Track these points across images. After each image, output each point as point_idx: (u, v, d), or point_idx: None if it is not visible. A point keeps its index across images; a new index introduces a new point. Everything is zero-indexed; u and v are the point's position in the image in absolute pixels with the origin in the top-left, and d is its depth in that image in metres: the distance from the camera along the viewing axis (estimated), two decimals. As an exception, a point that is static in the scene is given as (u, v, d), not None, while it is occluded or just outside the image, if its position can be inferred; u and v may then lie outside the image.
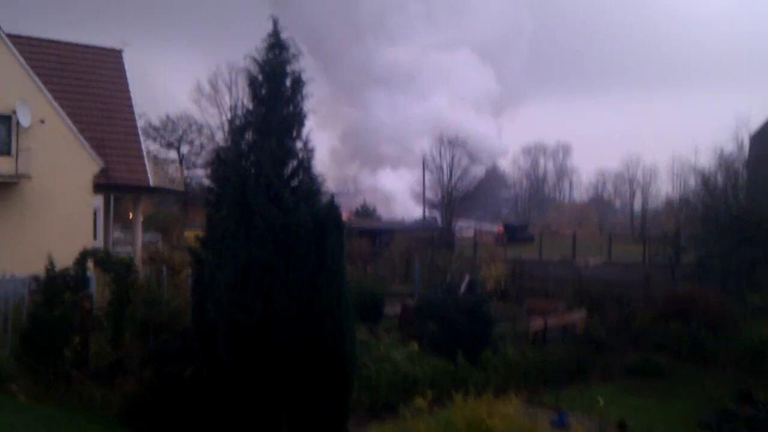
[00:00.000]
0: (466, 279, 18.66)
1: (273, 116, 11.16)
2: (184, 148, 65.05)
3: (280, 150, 11.21)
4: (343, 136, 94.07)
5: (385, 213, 72.52)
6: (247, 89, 11.57)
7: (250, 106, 11.44)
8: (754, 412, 13.54)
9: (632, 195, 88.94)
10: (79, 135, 21.72)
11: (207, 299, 10.92)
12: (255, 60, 11.38)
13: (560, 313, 20.22)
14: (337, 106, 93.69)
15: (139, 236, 26.43)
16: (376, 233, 46.16)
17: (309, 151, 11.62)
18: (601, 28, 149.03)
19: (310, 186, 11.55)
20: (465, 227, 69.24)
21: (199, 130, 64.82)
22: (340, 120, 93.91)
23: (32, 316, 13.97)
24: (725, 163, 30.84)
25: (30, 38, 25.12)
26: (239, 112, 11.75)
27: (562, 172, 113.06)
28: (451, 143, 62.96)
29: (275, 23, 11.46)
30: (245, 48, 11.62)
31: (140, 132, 26.19)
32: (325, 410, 10.64)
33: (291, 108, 11.47)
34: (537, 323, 18.71)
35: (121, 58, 27.62)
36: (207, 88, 65.14)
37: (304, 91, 11.60)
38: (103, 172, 22.48)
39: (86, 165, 21.88)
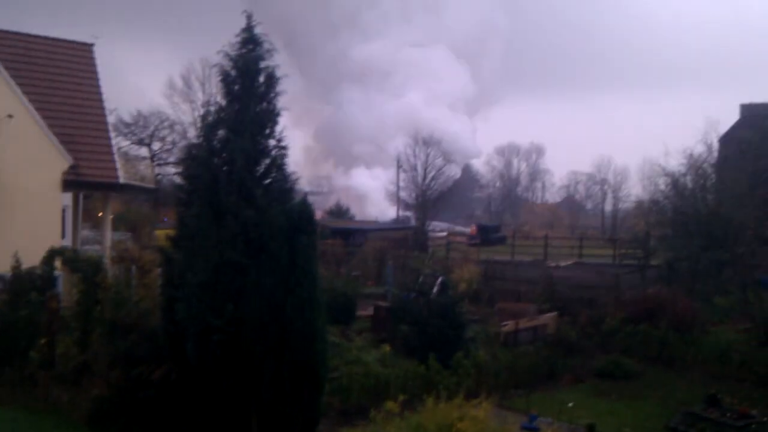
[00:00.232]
0: (439, 280, 18.65)
1: (246, 113, 11.03)
2: (156, 145, 64.45)
3: (253, 148, 11.09)
4: (317, 134, 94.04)
5: (359, 213, 72.50)
6: (220, 85, 11.44)
7: (223, 103, 11.29)
8: (721, 415, 13.70)
9: (603, 196, 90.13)
10: (47, 130, 21.32)
11: (176, 300, 10.75)
12: (228, 55, 11.23)
13: (531, 314, 20.32)
14: (310, 103, 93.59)
15: (109, 235, 26.03)
16: (350, 233, 46.05)
17: (282, 149, 11.51)
18: (574, 31, 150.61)
19: (283, 185, 11.43)
20: (438, 227, 69.47)
21: (171, 126, 64.26)
22: (314, 117, 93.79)
23: (-4, 315, 13.67)
24: (695, 165, 31.28)
25: (-3, 30, 24.67)
26: (212, 108, 11.57)
27: (535, 173, 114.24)
28: (426, 142, 63.11)
29: (249, 18, 11.32)
30: (218, 43, 11.45)
31: (111, 128, 25.80)
32: (296, 413, 10.54)
33: (264, 105, 11.34)
34: (508, 325, 18.77)
35: (91, 52, 27.18)
36: (179, 83, 64.78)
37: (278, 88, 11.48)
38: (72, 169, 22.09)
39: (55, 161, 21.48)
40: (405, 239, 47.69)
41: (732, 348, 17.92)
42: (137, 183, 26.64)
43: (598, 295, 23.05)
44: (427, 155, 62.76)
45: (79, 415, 11.67)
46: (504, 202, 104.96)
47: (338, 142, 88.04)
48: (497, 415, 12.43)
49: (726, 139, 39.31)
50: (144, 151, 62.81)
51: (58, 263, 16.44)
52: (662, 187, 34.87)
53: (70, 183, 22.28)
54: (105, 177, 23.48)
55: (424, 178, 62.43)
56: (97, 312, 14.14)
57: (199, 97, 63.01)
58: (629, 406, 14.75)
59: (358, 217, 69.77)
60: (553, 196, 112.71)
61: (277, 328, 10.39)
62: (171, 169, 61.82)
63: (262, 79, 11.35)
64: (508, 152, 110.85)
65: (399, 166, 65.45)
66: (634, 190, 79.88)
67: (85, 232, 31.77)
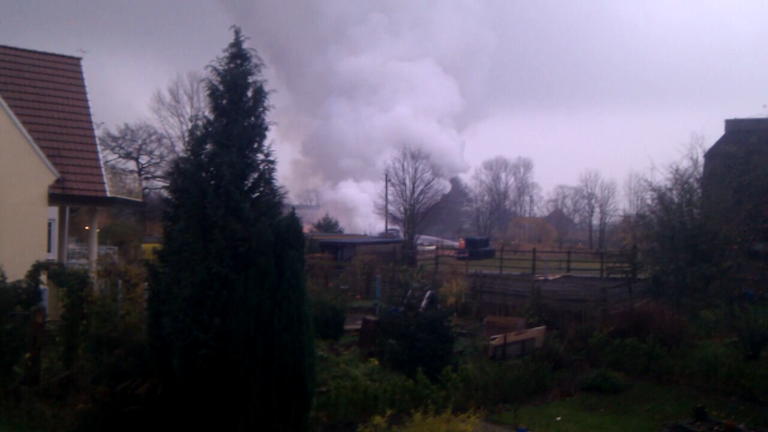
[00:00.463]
0: (427, 294, 18.62)
1: (234, 127, 11.06)
2: (143, 159, 64.32)
3: (241, 162, 11.11)
4: (305, 148, 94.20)
5: (347, 226, 72.50)
6: (207, 99, 11.47)
7: (211, 117, 11.33)
8: (708, 429, 13.72)
9: (590, 211, 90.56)
10: (34, 144, 21.24)
11: (163, 314, 10.71)
12: (216, 70, 11.29)
13: (520, 328, 20.32)
14: (299, 116, 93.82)
15: (95, 248, 25.88)
16: (338, 247, 46.03)
17: (270, 164, 11.55)
18: (562, 47, 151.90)
19: (271, 198, 11.45)
20: (427, 241, 69.53)
21: (159, 140, 64.21)
22: (302, 131, 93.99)
23: (-20, 330, 13.51)
24: (680, 180, 31.50)
25: (-16, 44, 24.61)
26: (200, 122, 11.61)
27: (523, 187, 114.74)
28: (414, 156, 63.29)
29: (237, 33, 11.39)
30: (207, 57, 11.53)
31: (98, 142, 25.71)
32: (284, 428, 10.49)
33: (252, 119, 11.40)
34: (497, 339, 18.77)
35: (79, 66, 27.16)
36: (167, 97, 64.67)
37: (266, 103, 11.55)
38: (59, 183, 22.00)
39: (41, 175, 21.39)
40: (393, 253, 47.70)
41: (719, 362, 17.97)
42: (124, 197, 26.54)
43: (586, 309, 23.11)
44: (416, 169, 62.97)
45: (64, 430, 11.54)
46: (492, 215, 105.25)
47: (326, 156, 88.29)
48: (485, 429, 12.43)
49: (711, 154, 39.68)
50: (131, 165, 62.75)
51: (43, 277, 16.34)
52: (649, 201, 35.10)
53: (56, 197, 22.17)
54: (92, 191, 23.38)
55: (413, 192, 62.58)
56: (83, 326, 14.06)
57: (187, 111, 63.09)
58: (617, 420, 14.75)
59: (346, 231, 69.76)
60: (540, 210, 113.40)
61: (265, 343, 10.35)
62: (158, 183, 61.70)
63: (250, 93, 11.40)
64: (496, 166, 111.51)
65: (387, 180, 65.59)
66: (621, 205, 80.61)
67: (72, 246, 31.58)
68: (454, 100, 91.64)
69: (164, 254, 11.46)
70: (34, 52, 26.42)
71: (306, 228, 55.07)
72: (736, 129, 42.46)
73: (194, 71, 62.21)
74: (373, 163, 78.34)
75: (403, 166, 63.39)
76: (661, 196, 31.57)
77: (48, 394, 12.65)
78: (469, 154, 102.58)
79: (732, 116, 45.69)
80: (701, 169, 36.49)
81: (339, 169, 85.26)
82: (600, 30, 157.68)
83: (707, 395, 16.77)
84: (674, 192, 31.28)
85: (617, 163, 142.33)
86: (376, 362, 15.98)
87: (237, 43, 11.44)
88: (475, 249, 59.68)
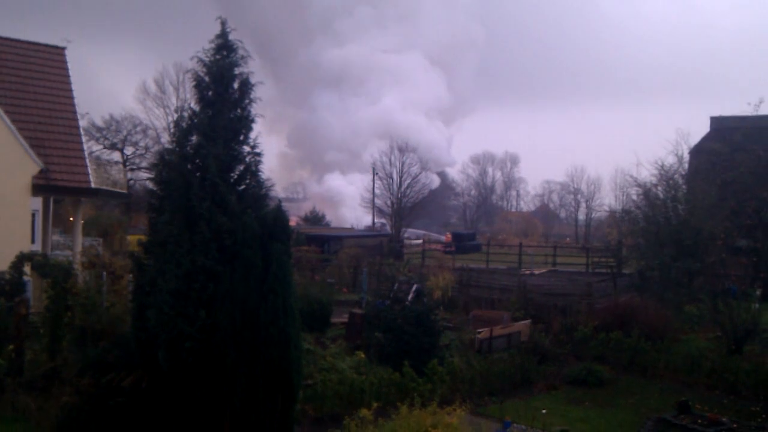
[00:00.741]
0: (414, 288, 18.63)
1: (219, 119, 10.98)
2: (128, 150, 63.78)
3: (227, 154, 11.04)
4: (293, 140, 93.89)
5: (334, 219, 72.37)
6: (193, 91, 11.37)
7: (197, 109, 11.23)
8: (692, 422, 13.86)
9: (577, 206, 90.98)
10: (17, 134, 21.01)
11: (148, 306, 10.63)
12: (202, 61, 11.19)
13: (506, 322, 20.38)
14: (285, 108, 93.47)
15: (79, 240, 25.68)
16: (325, 240, 45.93)
17: (257, 156, 11.48)
18: (549, 43, 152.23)
19: (257, 191, 11.39)
20: (414, 235, 69.57)
21: (144, 131, 63.68)
22: (289, 123, 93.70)
23: (-37, 321, 13.39)
24: (666, 176, 31.68)
25: (-33, 32, 24.29)
26: (185, 114, 11.50)
27: (510, 182, 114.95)
28: (401, 150, 63.24)
29: (223, 24, 11.29)
30: (193, 48, 11.42)
31: (82, 132, 25.47)
32: (270, 421, 10.45)
33: (238, 111, 11.32)
34: (483, 333, 18.82)
35: (63, 55, 26.88)
36: (153, 88, 64.16)
37: (252, 95, 11.48)
38: (43, 174, 21.80)
39: (25, 166, 21.17)
40: (380, 246, 47.69)
41: (702, 356, 18.14)
42: (109, 188, 26.33)
43: (572, 303, 23.23)
44: (403, 163, 62.93)
45: (48, 423, 11.46)
46: (479, 210, 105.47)
47: (313, 148, 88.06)
48: (471, 422, 12.45)
49: (696, 151, 39.93)
50: (116, 156, 62.19)
51: (27, 268, 16.19)
52: (634, 197, 35.31)
53: (40, 187, 21.96)
54: (76, 182, 23.18)
55: (400, 185, 62.55)
56: (67, 318, 13.95)
57: (173, 102, 62.59)
58: (602, 414, 14.85)
59: (333, 224, 69.64)
60: (527, 204, 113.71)
61: (251, 336, 10.30)
62: (143, 175, 61.21)
63: (236, 85, 11.32)
64: (483, 161, 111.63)
65: (374, 174, 65.51)
66: (607, 200, 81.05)
67: (56, 237, 31.32)
68: (441, 94, 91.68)
69: (149, 246, 11.37)
70: (18, 41, 26.10)
71: (293, 221, 54.96)
72: (721, 126, 42.72)
73: (180, 62, 61.75)
74: (359, 155, 78.25)
75: (390, 159, 63.36)
76: (647, 192, 31.76)
77: (32, 386, 12.54)
78: (456, 149, 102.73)
79: (717, 113, 45.97)
80: (686, 166, 36.79)
81: (325, 161, 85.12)
82: (587, 26, 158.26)
83: (691, 389, 16.93)
84: (659, 188, 31.49)
85: (603, 159, 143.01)
86: (363, 355, 15.98)
87: (223, 35, 11.34)
88: (462, 243, 59.78)
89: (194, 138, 11.11)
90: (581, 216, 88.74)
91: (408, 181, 62.83)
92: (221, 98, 11.08)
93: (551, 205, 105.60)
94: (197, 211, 10.50)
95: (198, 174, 10.84)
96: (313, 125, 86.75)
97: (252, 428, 10.28)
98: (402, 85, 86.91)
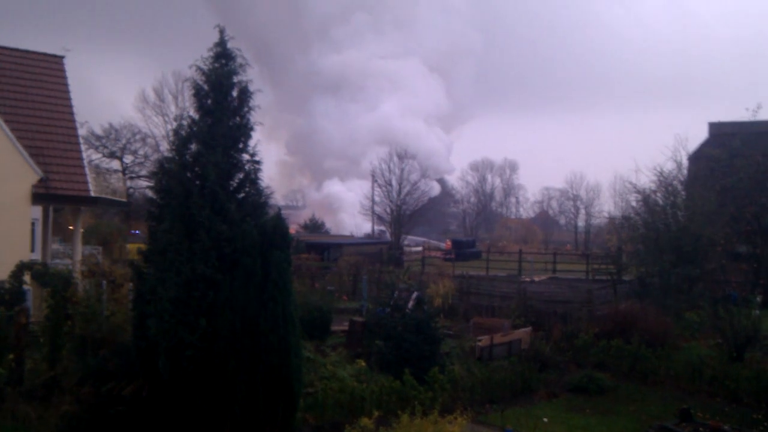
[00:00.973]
0: (414, 295, 18.59)
1: (219, 127, 11.00)
2: (128, 158, 63.78)
3: (226, 162, 11.05)
4: (291, 148, 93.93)
5: (333, 226, 72.37)
6: (192, 99, 11.39)
7: (196, 117, 11.25)
8: (693, 430, 13.80)
9: (576, 212, 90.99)
10: (17, 143, 21.01)
11: (148, 315, 10.61)
12: (201, 69, 11.22)
13: (506, 329, 20.34)
14: (283, 115, 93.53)
15: (79, 249, 25.67)
16: (325, 247, 45.93)
17: (256, 164, 11.51)
18: (547, 50, 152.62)
19: (257, 199, 11.40)
20: (413, 242, 69.55)
21: (143, 139, 63.71)
22: (287, 130, 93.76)
23: (-37, 331, 13.36)
24: (665, 182, 31.70)
25: (-34, 42, 24.34)
26: (184, 122, 11.51)
27: (509, 189, 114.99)
28: (401, 157, 63.32)
29: (222, 33, 11.33)
30: (192, 56, 11.46)
31: (82, 141, 25.51)
32: (270, 429, 10.43)
33: (237, 119, 11.34)
34: (483, 340, 18.77)
35: (62, 64, 26.94)
36: (152, 96, 64.21)
37: (251, 103, 11.51)
38: (42, 182, 21.79)
39: (24, 174, 21.17)
40: (380, 254, 47.68)
41: (703, 363, 18.08)
42: (108, 196, 26.34)
43: (572, 310, 23.18)
44: (402, 170, 62.99)
45: (48, 431, 11.41)
46: (478, 217, 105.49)
47: (312, 155, 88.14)
48: (472, 430, 12.43)
49: (695, 157, 39.96)
50: (115, 165, 62.20)
51: (27, 277, 16.17)
52: (633, 203, 35.32)
53: (39, 196, 21.96)
54: (75, 190, 23.18)
55: (399, 192, 62.58)
56: (67, 327, 13.92)
57: (172, 110, 62.60)
58: (603, 421, 14.80)
59: (332, 231, 69.63)
60: (526, 211, 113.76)
61: (251, 344, 10.29)
62: (143, 183, 61.24)
63: (235, 93, 11.35)
64: (482, 168, 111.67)
65: (374, 181, 65.56)
66: (606, 206, 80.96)
67: (55, 246, 31.29)
68: (439, 101, 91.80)
69: (149, 254, 11.36)
70: (17, 50, 26.17)
71: (292, 229, 54.97)
72: (720, 132, 42.76)
73: (179, 70, 61.80)
74: (359, 162, 78.33)
75: (389, 166, 63.42)
76: (646, 199, 31.76)
77: (32, 395, 12.50)
78: (455, 156, 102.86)
79: (715, 119, 46.05)
80: (685, 172, 36.79)
81: (325, 168, 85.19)
82: (585, 33, 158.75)
83: (692, 396, 16.87)
84: (659, 194, 31.49)
85: (602, 166, 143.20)
86: (363, 363, 15.94)
87: (222, 43, 11.38)
88: (462, 250, 59.74)
89: (193, 146, 11.13)
90: (581, 222, 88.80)
91: (407, 189, 62.89)
92: (220, 106, 11.11)
93: (550, 212, 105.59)
94: (197, 220, 10.50)
95: (197, 182, 10.84)
96: (312, 132, 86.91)
97: (252, 437, 10.26)
98: (400, 92, 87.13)
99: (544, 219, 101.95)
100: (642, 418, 15.03)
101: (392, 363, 15.70)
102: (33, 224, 23.20)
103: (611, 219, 54.58)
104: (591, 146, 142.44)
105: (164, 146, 58.38)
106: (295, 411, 11.07)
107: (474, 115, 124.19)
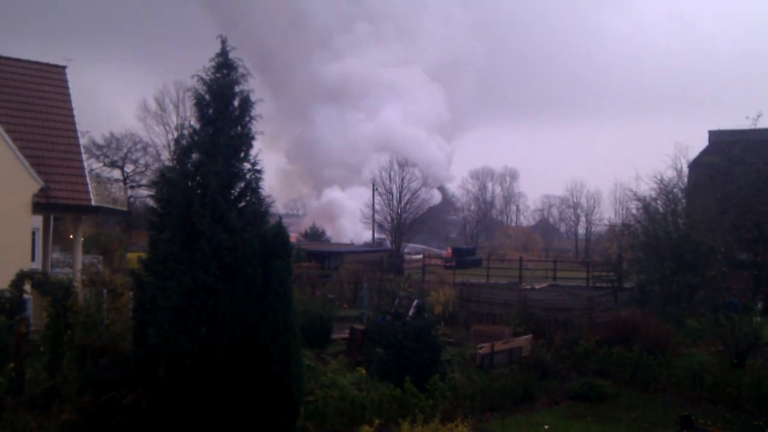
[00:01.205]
0: (415, 303, 18.59)
1: (220, 137, 11.04)
2: (129, 168, 63.85)
3: (227, 171, 11.09)
4: (292, 156, 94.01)
5: (333, 234, 72.36)
6: (194, 109, 11.44)
7: (197, 126, 11.30)
8: (695, 436, 13.80)
9: (576, 220, 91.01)
10: (18, 153, 21.05)
11: (148, 324, 10.62)
12: (202, 79, 11.28)
13: (507, 337, 20.33)
14: (284, 124, 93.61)
15: (79, 258, 25.68)
16: (325, 256, 45.90)
17: (257, 173, 11.54)
18: (548, 58, 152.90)
19: (258, 208, 11.43)
20: (414, 250, 69.51)
21: (144, 149, 63.78)
22: (288, 139, 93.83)
23: (-37, 340, 13.36)
24: (665, 190, 31.72)
25: (-32, 52, 24.43)
26: (186, 131, 11.56)
27: (510, 197, 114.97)
28: (401, 165, 63.41)
29: (224, 43, 11.40)
30: (193, 66, 11.53)
31: (83, 150, 25.55)
32: (270, 438, 10.42)
33: (239, 129, 11.39)
34: (484, 348, 18.77)
35: (64, 74, 27.01)
36: (153, 106, 64.31)
37: (253, 112, 11.55)
38: (43, 191, 21.82)
39: (25, 184, 21.19)
40: (380, 262, 47.65)
41: (704, 370, 18.06)
42: (109, 205, 26.37)
43: (573, 318, 23.17)
44: (402, 178, 63.07)
45: (48, 441, 11.40)
46: (479, 225, 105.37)
47: (312, 163, 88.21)
48: (473, 438, 12.40)
49: (695, 165, 40.00)
50: (116, 174, 62.27)
51: (27, 286, 16.15)
52: (634, 211, 35.33)
53: (40, 205, 21.98)
54: (76, 199, 23.21)
55: (400, 201, 62.62)
56: (68, 336, 13.91)
57: (173, 119, 62.66)
58: (604, 429, 14.78)
59: (333, 238, 69.62)
60: (527, 219, 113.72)
61: (251, 352, 10.29)
62: (144, 192, 61.27)
63: (236, 103, 11.40)
64: (482, 176, 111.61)
65: (374, 189, 65.59)
66: (607, 214, 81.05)
67: (56, 255, 31.29)
68: (440, 110, 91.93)
69: (149, 263, 11.38)
70: (19, 60, 26.25)
71: (293, 237, 54.93)
72: (720, 140, 42.82)
73: (180, 80, 61.93)
74: (359, 170, 78.40)
75: (389, 175, 63.49)
76: (646, 206, 31.78)
77: (32, 404, 12.48)
78: (455, 164, 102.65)
79: (715, 127, 46.13)
80: (686, 180, 36.83)
81: (324, 176, 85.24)
82: (586, 42, 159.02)
83: (694, 403, 16.84)
84: (659, 202, 31.51)
85: (603, 173, 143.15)
86: (364, 371, 15.93)
87: (223, 53, 11.45)
88: (462, 258, 59.69)
89: (195, 155, 11.17)
90: (581, 230, 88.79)
91: (408, 197, 62.94)
92: (222, 116, 11.15)
93: (551, 220, 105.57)
94: (198, 228, 10.52)
95: (198, 191, 10.87)
96: (313, 140, 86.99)
97: (253, 446, 10.25)
98: (401, 101, 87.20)
99: (544, 227, 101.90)
100: (643, 425, 15.02)
101: (393, 371, 15.70)
102: (34, 233, 23.21)
103: (611, 227, 54.63)
104: (591, 154, 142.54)
105: (165, 155, 58.52)
106: (296, 419, 11.06)
107: (474, 125, 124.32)
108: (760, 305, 26.91)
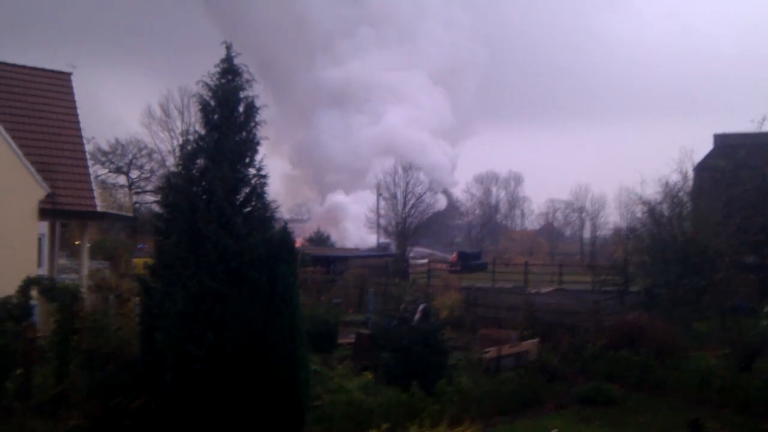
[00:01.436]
0: (421, 307, 18.55)
1: (225, 142, 11.06)
2: (134, 173, 64.16)
3: (233, 176, 11.11)
4: (295, 161, 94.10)
5: (338, 238, 72.40)
6: (199, 114, 11.48)
7: (202, 132, 11.33)
8: (703, 440, 13.72)
9: (581, 224, 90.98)
10: (24, 159, 21.12)
11: (155, 329, 10.63)
12: (207, 85, 11.31)
13: (513, 341, 20.29)
14: (288, 128, 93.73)
15: (86, 263, 25.75)
16: (330, 261, 45.93)
17: (262, 178, 11.56)
18: (552, 62, 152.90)
19: (263, 213, 11.45)
20: (419, 254, 69.52)
21: (150, 155, 64.08)
22: (292, 143, 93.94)
23: (-29, 346, 13.36)
24: (670, 193, 31.65)
25: (-26, 59, 24.57)
26: (191, 137, 11.60)
27: (514, 201, 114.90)
28: (405, 169, 63.44)
29: (228, 49, 11.43)
30: (197, 72, 11.54)
31: (88, 156, 25.65)
32: (277, 443, 10.41)
33: (244, 134, 11.42)
34: (491, 352, 18.72)
35: (69, 80, 27.12)
36: (158, 112, 64.61)
37: (258, 118, 11.58)
38: (49, 198, 21.88)
39: (31, 190, 21.26)
40: (386, 266, 47.64)
41: (712, 373, 17.97)
42: (115, 211, 26.44)
43: (579, 321, 23.09)
44: (407, 183, 63.12)
45: (56, 446, 11.42)
46: (484, 229, 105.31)
47: (316, 167, 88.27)
48: (480, 443, 12.36)
49: (701, 168, 39.87)
50: (122, 180, 62.52)
51: (34, 292, 16.18)
52: (639, 214, 35.24)
53: (46, 211, 22.05)
54: (82, 205, 23.28)
55: (404, 205, 62.65)
56: (75, 341, 13.94)
57: (178, 125, 63.00)
58: (612, 433, 14.73)
59: (338, 243, 69.65)
60: (532, 223, 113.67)
61: (258, 357, 10.30)
62: (149, 198, 61.49)
63: (241, 108, 11.44)
64: (487, 180, 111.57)
65: (379, 194, 65.65)
66: (612, 218, 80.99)
67: (62, 261, 31.40)
68: (444, 114, 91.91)
69: (156, 269, 11.41)
70: (24, 66, 26.37)
71: (298, 242, 54.80)
72: (725, 143, 42.73)
73: (185, 86, 62.23)
74: (363, 175, 78.45)
75: (394, 179, 63.54)
76: (652, 210, 31.70)
77: (40, 410, 12.52)
78: (460, 169, 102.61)
79: (721, 131, 46.03)
80: (691, 183, 36.71)
81: (329, 180, 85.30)
82: (589, 45, 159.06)
83: (702, 407, 16.76)
84: (664, 205, 31.43)
85: (607, 177, 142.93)
86: (370, 376, 15.90)
87: (228, 59, 11.48)
88: (468, 262, 59.72)
89: (200, 161, 11.20)
90: (586, 234, 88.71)
91: (412, 201, 62.96)
92: (227, 121, 11.18)
93: (556, 224, 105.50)
94: (203, 234, 10.54)
95: (204, 197, 10.90)
96: (316, 145, 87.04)
97: (260, 451, 10.25)
98: (404, 105, 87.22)
99: (549, 231, 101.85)
100: (652, 428, 14.95)
101: (399, 375, 15.65)
102: (40, 239, 23.28)
103: (617, 230, 54.53)
104: (596, 158, 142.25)
105: (170, 161, 58.75)
106: (303, 424, 11.04)
107: (478, 129, 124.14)
108: (767, 308, 26.79)
